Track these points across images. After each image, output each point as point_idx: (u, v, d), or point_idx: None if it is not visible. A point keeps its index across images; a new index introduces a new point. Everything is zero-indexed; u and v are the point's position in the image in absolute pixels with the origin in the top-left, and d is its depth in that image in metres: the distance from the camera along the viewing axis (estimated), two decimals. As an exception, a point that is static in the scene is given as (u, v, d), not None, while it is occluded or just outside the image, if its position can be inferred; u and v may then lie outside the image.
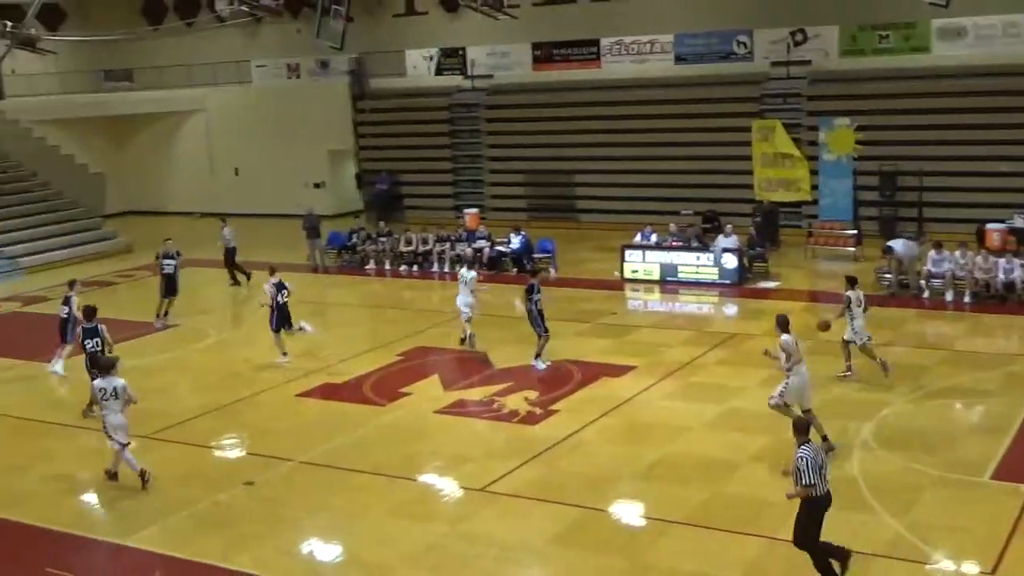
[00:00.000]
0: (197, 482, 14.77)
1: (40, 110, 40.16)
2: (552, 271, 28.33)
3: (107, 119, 43.72)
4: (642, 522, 13.10)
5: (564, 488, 13.89)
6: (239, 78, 42.57)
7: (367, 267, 30.38)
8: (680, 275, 26.28)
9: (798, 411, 13.98)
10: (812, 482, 10.24)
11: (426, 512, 13.51)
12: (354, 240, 31.16)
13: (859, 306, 17.35)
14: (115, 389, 14.46)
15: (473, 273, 21.24)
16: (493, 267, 28.73)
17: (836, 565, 10.65)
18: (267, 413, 17.82)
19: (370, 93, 40.21)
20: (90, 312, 17.83)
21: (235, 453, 16.33)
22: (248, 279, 28.01)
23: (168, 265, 24.65)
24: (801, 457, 10.30)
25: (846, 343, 17.56)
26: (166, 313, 24.57)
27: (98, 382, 14.82)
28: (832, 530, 12.30)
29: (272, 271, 21.01)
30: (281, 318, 20.51)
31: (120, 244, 35.75)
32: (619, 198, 34.79)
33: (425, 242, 29.75)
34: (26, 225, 34.91)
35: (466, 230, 30.56)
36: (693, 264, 26.30)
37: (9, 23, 32.47)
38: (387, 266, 29.81)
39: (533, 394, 17.82)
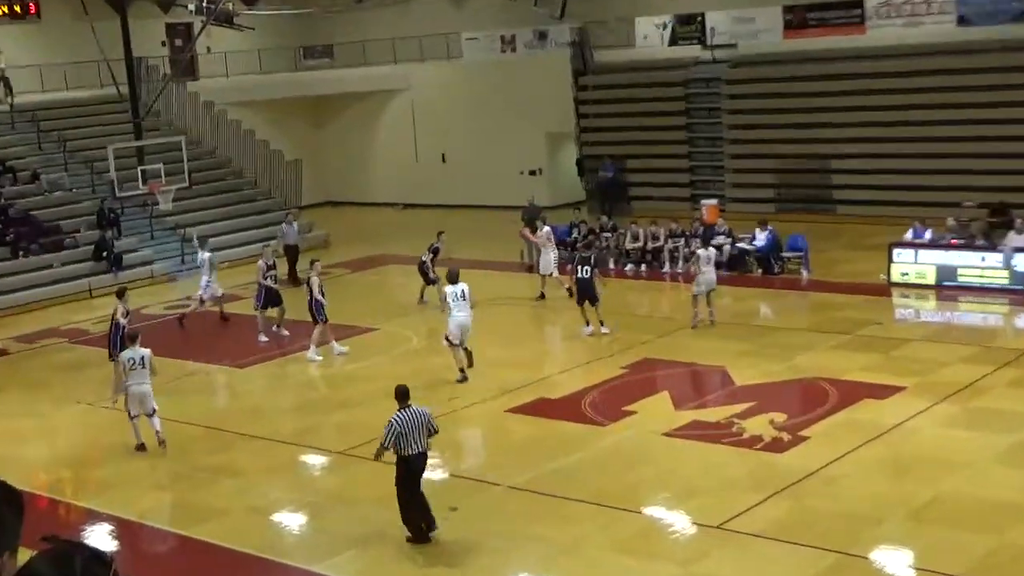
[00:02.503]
0: (396, 505, 15.09)
1: (234, 91, 41.97)
2: (804, 273, 27.83)
3: (305, 101, 45.53)
4: (911, 573, 12.70)
5: (815, 529, 13.62)
6: (448, 53, 43.53)
7: (588, 266, 30.53)
8: (961, 279, 25.39)
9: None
10: (389, 446, 13.54)
11: (652, 550, 13.48)
12: (574, 235, 31.32)
13: (708, 264, 22.95)
14: (142, 358, 17.17)
15: (547, 228, 27.33)
16: (734, 267, 28.31)
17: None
18: (473, 430, 18.14)
19: (594, 68, 40.39)
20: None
21: (438, 475, 16.62)
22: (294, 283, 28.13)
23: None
24: (390, 421, 13.56)
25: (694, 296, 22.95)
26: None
27: (126, 352, 17.35)
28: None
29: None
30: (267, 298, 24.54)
31: (318, 238, 36.77)
32: (885, 187, 33.74)
33: (655, 238, 29.62)
34: (219, 216, 36.66)
35: (703, 224, 30.26)
36: (977, 266, 25.33)
37: (206, -2, 34.27)
38: (611, 265, 29.84)
39: (780, 417, 17.51)
